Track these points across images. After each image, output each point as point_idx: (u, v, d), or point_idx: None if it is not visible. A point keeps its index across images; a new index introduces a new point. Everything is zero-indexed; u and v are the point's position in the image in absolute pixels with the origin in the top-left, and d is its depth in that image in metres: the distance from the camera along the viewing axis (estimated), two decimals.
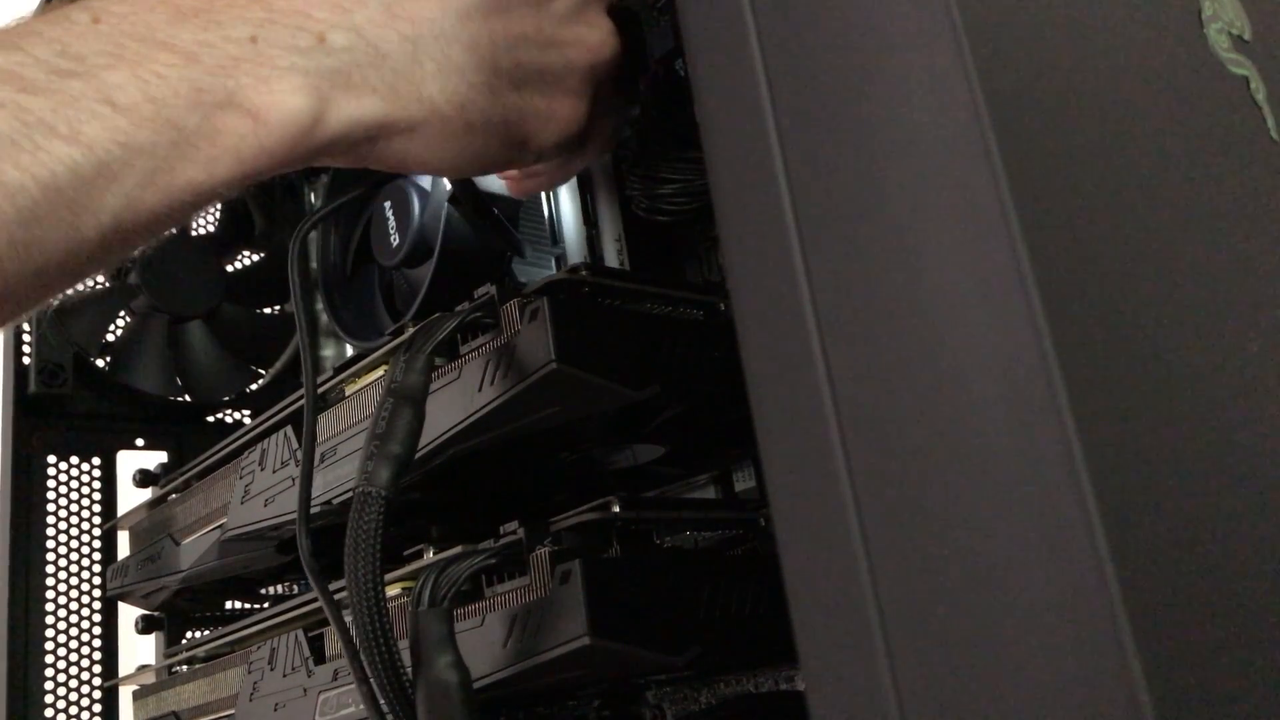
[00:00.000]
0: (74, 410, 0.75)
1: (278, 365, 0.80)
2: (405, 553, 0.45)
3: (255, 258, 0.82)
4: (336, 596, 0.45)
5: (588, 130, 0.45)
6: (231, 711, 0.56)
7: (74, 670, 0.71)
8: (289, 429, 0.54)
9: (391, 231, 0.56)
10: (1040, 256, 0.22)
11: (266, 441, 0.55)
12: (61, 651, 0.71)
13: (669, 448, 0.51)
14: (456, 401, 0.42)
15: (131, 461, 0.77)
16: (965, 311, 0.23)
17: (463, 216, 0.53)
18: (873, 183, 0.24)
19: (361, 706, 0.40)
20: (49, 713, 0.69)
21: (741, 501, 0.56)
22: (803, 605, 0.24)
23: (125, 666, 0.74)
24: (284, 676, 0.52)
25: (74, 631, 0.72)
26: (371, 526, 0.37)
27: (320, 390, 0.51)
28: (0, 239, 0.30)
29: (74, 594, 0.72)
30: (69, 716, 0.70)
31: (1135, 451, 0.23)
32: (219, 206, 0.80)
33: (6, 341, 0.73)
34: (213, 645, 0.60)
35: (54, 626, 0.71)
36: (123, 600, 0.72)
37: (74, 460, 0.75)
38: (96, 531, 0.75)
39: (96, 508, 0.75)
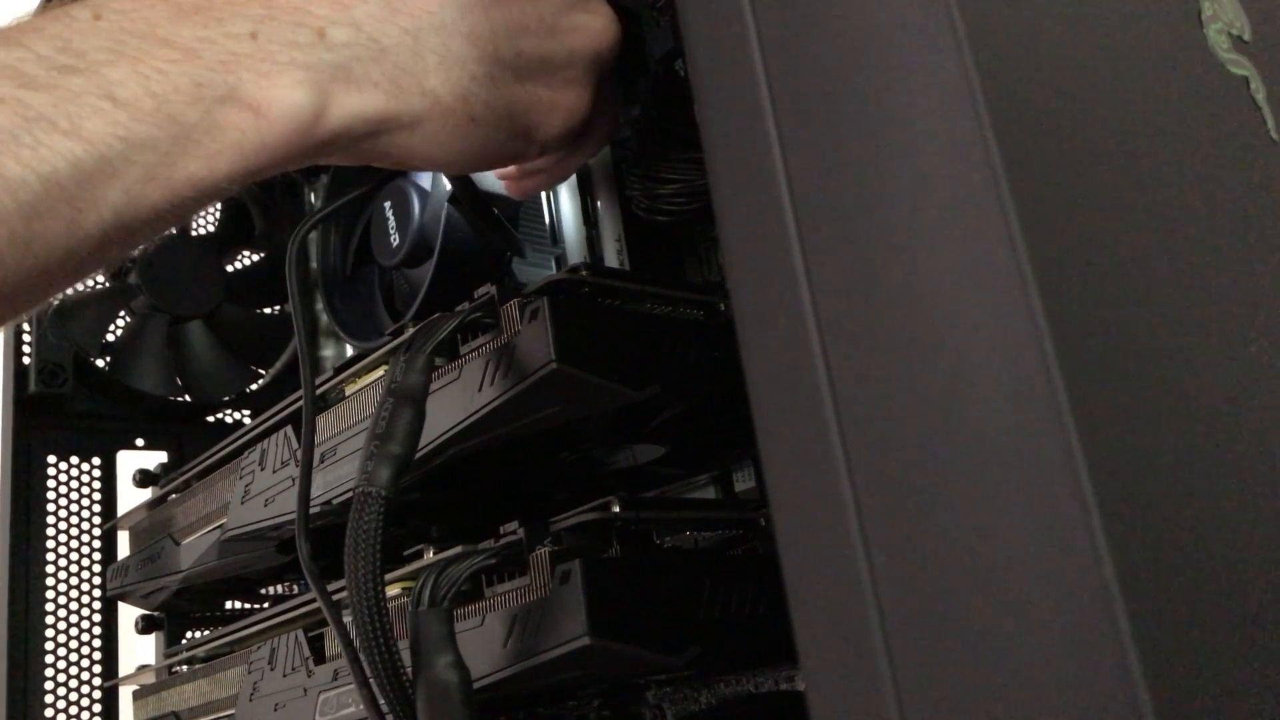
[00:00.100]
0: (74, 410, 0.75)
1: (278, 365, 0.80)
2: (405, 553, 0.45)
3: (255, 258, 0.82)
4: (336, 597, 0.45)
5: (590, 121, 0.45)
6: (231, 711, 0.56)
7: (74, 670, 0.71)
8: (289, 429, 0.54)
9: (391, 231, 0.56)
10: (1040, 257, 0.22)
11: (266, 442, 0.55)
12: (61, 651, 0.71)
13: (669, 448, 0.51)
14: (456, 401, 0.42)
15: (131, 461, 0.77)
16: (966, 312, 0.23)
17: (463, 216, 0.53)
18: (873, 183, 0.24)
19: (361, 706, 0.40)
20: (49, 713, 0.69)
21: (741, 501, 0.56)
22: (803, 605, 0.24)
23: (125, 666, 0.74)
24: (284, 676, 0.52)
25: (74, 631, 0.72)
26: (371, 526, 0.37)
27: (320, 390, 0.51)
28: (1, 234, 0.30)
29: (74, 594, 0.72)
30: (69, 716, 0.70)
31: (1135, 451, 0.23)
32: (219, 206, 0.80)
33: (6, 341, 0.73)
34: (213, 645, 0.60)
35: (54, 626, 0.71)
36: (123, 600, 0.72)
37: (74, 460, 0.75)
38: (96, 531, 0.75)
39: (96, 508, 0.75)
